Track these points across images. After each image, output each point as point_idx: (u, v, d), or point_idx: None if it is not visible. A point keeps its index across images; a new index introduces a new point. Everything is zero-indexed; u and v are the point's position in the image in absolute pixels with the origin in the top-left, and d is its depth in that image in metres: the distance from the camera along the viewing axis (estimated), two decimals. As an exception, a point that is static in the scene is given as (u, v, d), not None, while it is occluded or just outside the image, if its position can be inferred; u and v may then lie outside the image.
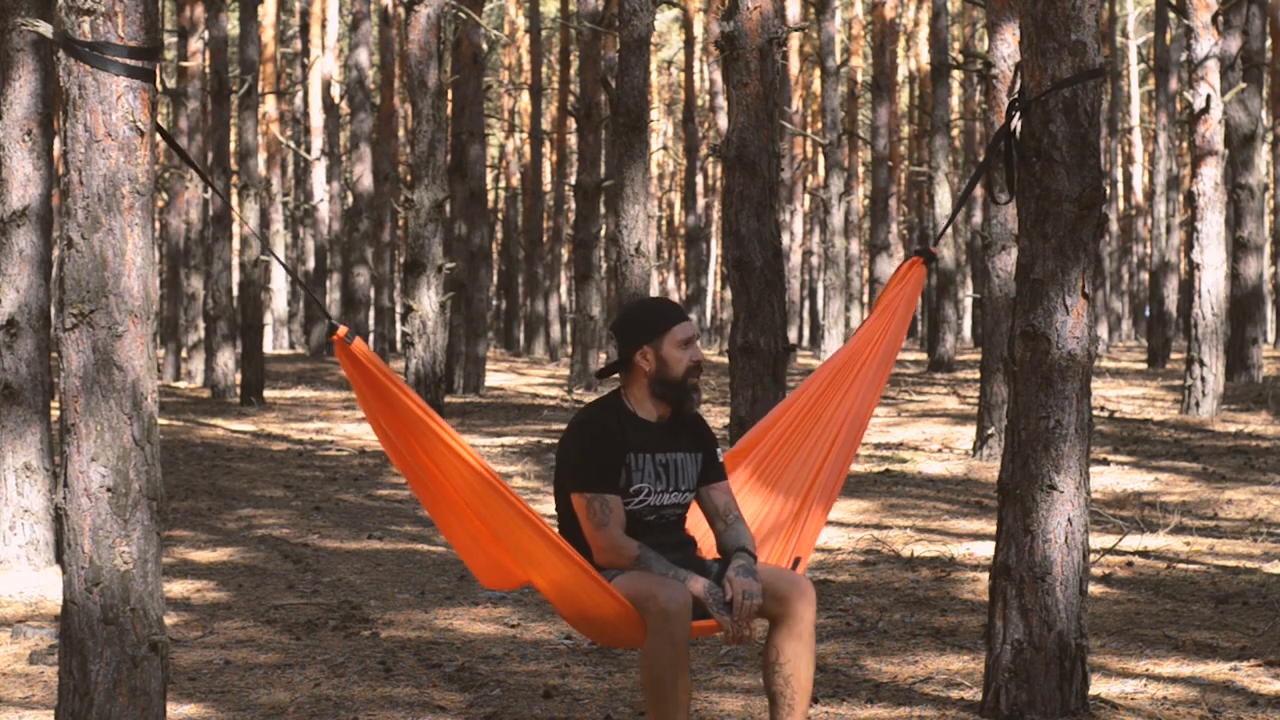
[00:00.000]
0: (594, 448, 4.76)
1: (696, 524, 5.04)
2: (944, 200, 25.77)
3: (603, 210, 28.33)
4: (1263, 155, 24.00)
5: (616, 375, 4.92)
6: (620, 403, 4.86)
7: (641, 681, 4.62)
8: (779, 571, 4.82)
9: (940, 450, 14.23)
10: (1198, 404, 15.77)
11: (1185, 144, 35.98)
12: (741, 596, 4.60)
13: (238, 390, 20.97)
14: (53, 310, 8.68)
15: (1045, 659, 5.29)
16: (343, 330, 4.71)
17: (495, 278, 48.28)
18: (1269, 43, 27.49)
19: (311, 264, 38.69)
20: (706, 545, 5.01)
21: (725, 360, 25.59)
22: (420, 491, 4.85)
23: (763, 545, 5.12)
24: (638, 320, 4.86)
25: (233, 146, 28.76)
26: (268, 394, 21.69)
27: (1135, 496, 11.02)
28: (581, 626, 4.76)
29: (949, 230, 27.75)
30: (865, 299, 39.09)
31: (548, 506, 8.66)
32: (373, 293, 33.16)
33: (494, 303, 47.54)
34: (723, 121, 34.57)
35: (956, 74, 40.34)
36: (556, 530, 4.76)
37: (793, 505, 5.18)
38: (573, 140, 38.39)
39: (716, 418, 18.14)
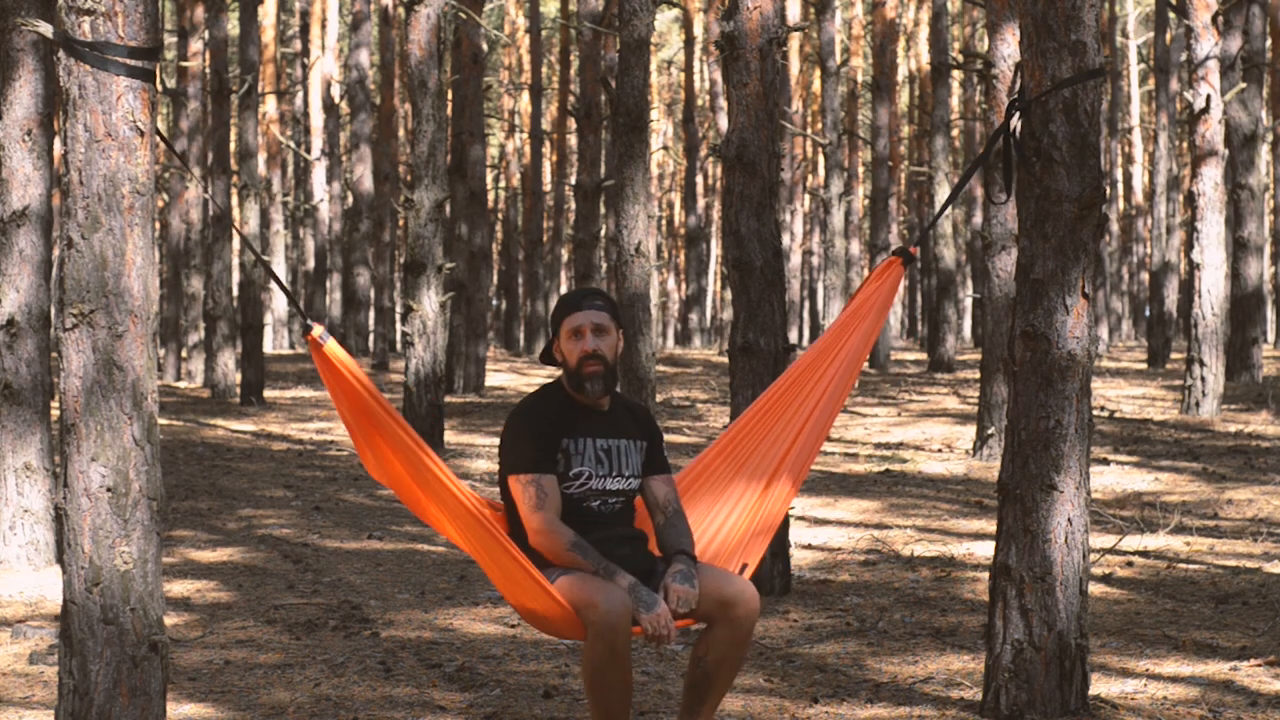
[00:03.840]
0: (527, 431, 4.80)
1: (646, 521, 5.03)
2: (944, 200, 25.76)
3: (603, 210, 28.33)
4: (1263, 155, 24.01)
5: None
6: (559, 390, 4.92)
7: (582, 684, 4.65)
8: (726, 577, 4.80)
9: (941, 450, 14.23)
10: (1198, 404, 15.76)
11: (1185, 144, 35.97)
12: (676, 604, 4.63)
13: (238, 390, 20.97)
14: (53, 310, 8.68)
15: (1045, 659, 5.29)
16: (317, 330, 4.73)
17: (495, 278, 48.27)
18: (1269, 43, 27.48)
19: (312, 264, 38.69)
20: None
21: (725, 360, 25.59)
22: (391, 485, 4.92)
23: (709, 545, 5.09)
24: (552, 315, 4.97)
25: (233, 147, 28.77)
26: (268, 394, 21.69)
27: (1135, 496, 11.02)
28: (527, 618, 4.80)
29: (950, 230, 27.71)
30: (865, 299, 39.04)
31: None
32: (373, 293, 33.16)
33: (494, 303, 47.53)
34: (723, 121, 34.57)
35: (957, 74, 40.33)
36: (506, 522, 4.83)
37: (747, 505, 5.14)
38: (573, 140, 38.39)
39: (717, 418, 18.13)
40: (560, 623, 4.66)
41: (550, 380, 5.03)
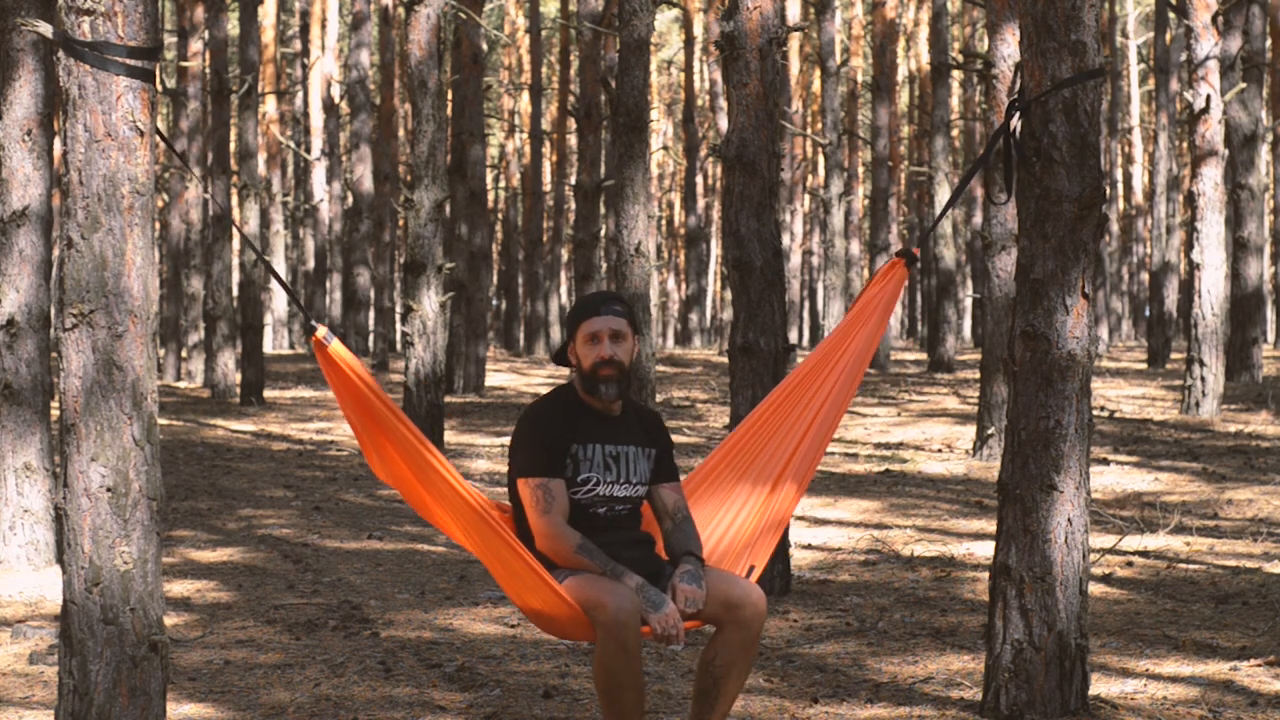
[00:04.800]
0: (538, 435, 4.80)
1: (653, 524, 5.03)
2: (943, 201, 25.79)
3: (603, 211, 28.33)
4: (1263, 155, 24.01)
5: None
6: (571, 393, 4.91)
7: (594, 685, 4.64)
8: (732, 579, 4.80)
9: (941, 450, 14.23)
10: (1198, 404, 15.77)
11: (1185, 144, 35.97)
12: (684, 604, 4.63)
13: (238, 390, 20.97)
14: (52, 310, 8.68)
15: (1045, 659, 5.29)
16: (321, 331, 4.71)
17: (495, 278, 48.26)
18: (1269, 43, 27.48)
19: (312, 264, 38.69)
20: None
21: (725, 360, 25.59)
22: (396, 485, 4.92)
23: (716, 548, 5.08)
24: (568, 317, 4.95)
25: (233, 147, 28.77)
26: (268, 394, 21.69)
27: (1135, 496, 11.02)
28: (533, 619, 4.79)
29: (950, 231, 27.71)
30: (865, 299, 39.05)
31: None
32: (373, 293, 33.17)
33: (494, 303, 47.53)
34: (723, 121, 34.56)
35: (956, 74, 40.33)
36: (514, 524, 4.83)
37: (753, 508, 5.13)
38: (573, 140, 38.39)
39: (717, 418, 18.13)
40: (568, 623, 4.65)
41: (562, 383, 5.01)
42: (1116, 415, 16.26)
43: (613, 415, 4.90)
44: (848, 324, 5.34)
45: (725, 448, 5.21)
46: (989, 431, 12.85)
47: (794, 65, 38.34)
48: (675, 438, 15.53)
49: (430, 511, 4.89)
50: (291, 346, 38.08)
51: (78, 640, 4.29)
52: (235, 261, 32.23)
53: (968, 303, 43.57)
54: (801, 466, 5.18)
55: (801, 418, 5.21)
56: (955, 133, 43.58)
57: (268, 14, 33.82)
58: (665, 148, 49.13)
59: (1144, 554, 8.75)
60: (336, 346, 4.72)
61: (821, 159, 38.19)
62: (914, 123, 45.15)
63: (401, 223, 42.16)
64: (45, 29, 4.36)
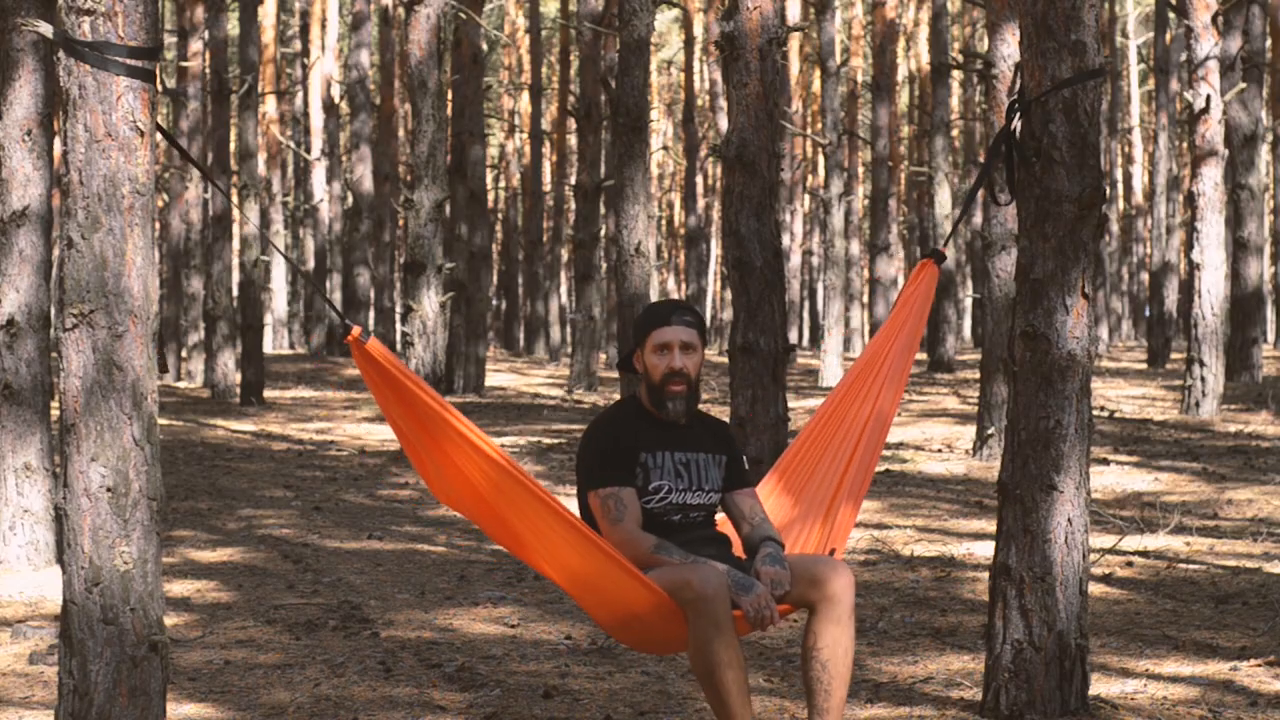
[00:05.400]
0: (605, 445, 4.73)
1: (729, 529, 5.03)
2: (944, 201, 25.77)
3: (603, 211, 28.33)
4: (1263, 156, 24.00)
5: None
6: (636, 404, 4.86)
7: (694, 674, 4.52)
8: (814, 557, 4.78)
9: (941, 450, 14.23)
10: (1198, 404, 15.76)
11: (1185, 144, 35.97)
12: (770, 585, 4.57)
13: (238, 390, 20.97)
14: (52, 310, 8.68)
15: (1045, 659, 5.29)
16: (357, 330, 4.55)
17: (495, 278, 48.26)
18: (1269, 43, 27.48)
19: (312, 264, 38.69)
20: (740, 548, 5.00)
21: (725, 360, 25.62)
22: (458, 505, 4.71)
23: (794, 545, 5.09)
24: (637, 323, 4.89)
25: (233, 147, 28.76)
26: (268, 394, 21.69)
27: (1135, 496, 11.02)
28: (612, 626, 4.65)
29: (949, 231, 27.72)
30: (865, 299, 39.08)
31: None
32: (373, 293, 33.17)
33: (494, 303, 47.53)
34: (723, 122, 34.56)
35: (956, 74, 40.33)
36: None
37: (822, 505, 5.17)
38: (573, 141, 38.38)
39: (718, 417, 18.13)
40: (652, 617, 4.50)
41: (627, 396, 4.98)
42: (1116, 415, 16.26)
43: (679, 424, 4.84)
44: (887, 328, 5.41)
45: (780, 467, 5.25)
46: (989, 431, 12.85)
47: (794, 65, 38.33)
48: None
49: (503, 526, 4.62)
50: (291, 346, 38.08)
51: (78, 640, 4.29)
52: (235, 261, 32.22)
53: (968, 303, 43.57)
54: (860, 473, 5.21)
55: (853, 427, 5.25)
56: (955, 133, 43.58)
57: (268, 14, 33.81)
58: (665, 148, 49.14)
59: (1144, 554, 8.75)
60: (374, 344, 4.56)
61: (821, 159, 38.19)
62: (914, 123, 45.15)
63: (401, 223, 42.15)
64: (45, 29, 4.36)
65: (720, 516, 5.01)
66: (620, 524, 4.65)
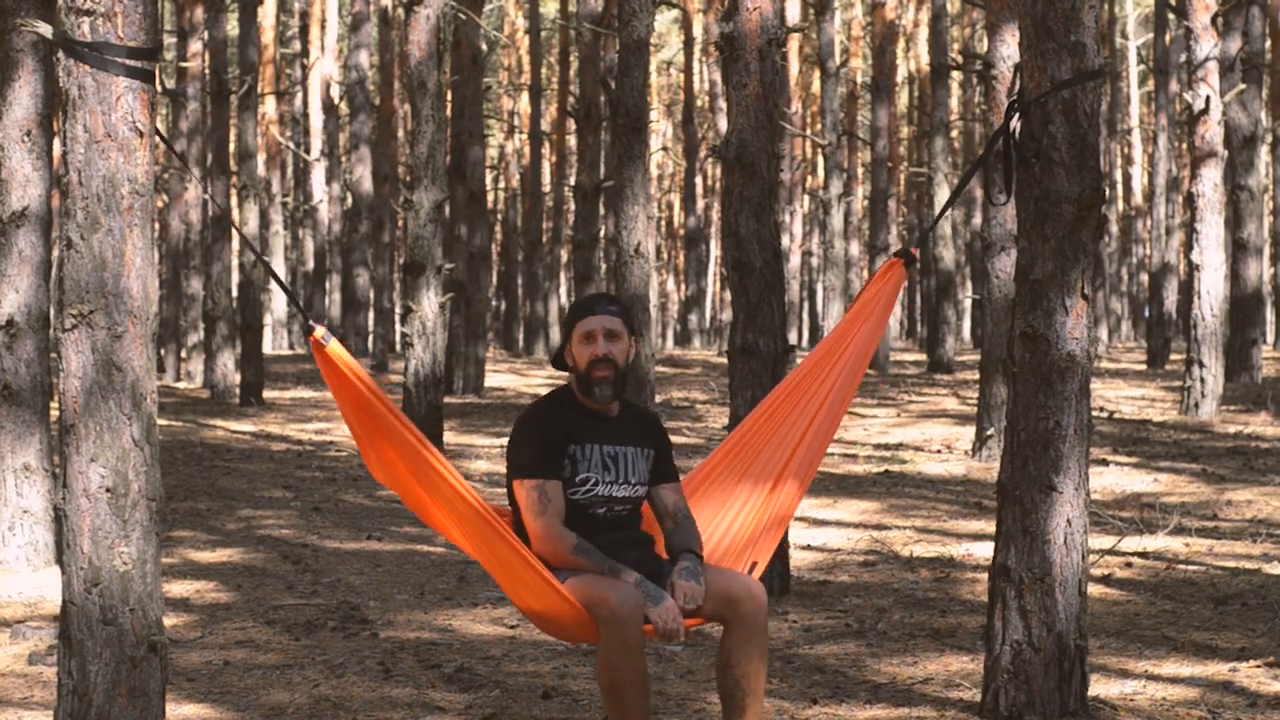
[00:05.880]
0: (534, 436, 4.79)
1: (654, 524, 5.03)
2: (943, 201, 25.80)
3: (602, 211, 28.33)
4: (1262, 157, 23.99)
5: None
6: (568, 395, 4.91)
7: (599, 686, 4.64)
8: (731, 575, 4.81)
9: (940, 451, 14.24)
10: (1197, 405, 15.76)
11: (1185, 145, 35.97)
12: (682, 599, 4.62)
13: (238, 391, 20.97)
14: (52, 311, 8.68)
15: (1044, 660, 5.29)
16: (319, 331, 4.69)
17: (495, 279, 48.26)
18: (1269, 44, 27.49)
19: (311, 265, 38.69)
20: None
21: (725, 361, 25.60)
22: (395, 487, 4.90)
23: (718, 547, 5.09)
24: (564, 320, 4.95)
25: (232, 147, 28.76)
26: (268, 394, 21.69)
27: (1135, 497, 11.02)
28: (534, 621, 4.78)
29: (949, 232, 27.71)
30: (865, 300, 39.10)
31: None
32: (373, 294, 33.16)
33: (494, 304, 47.53)
34: (722, 122, 34.56)
35: (956, 75, 40.33)
36: (513, 527, 4.81)
37: (754, 507, 5.14)
38: (572, 141, 38.38)
39: (716, 418, 18.13)
40: (570, 624, 4.64)
41: (560, 385, 5.01)
42: (1116, 416, 16.26)
43: (610, 416, 4.90)
44: (846, 324, 5.36)
45: (726, 447, 5.22)
46: (988, 432, 12.85)
47: (794, 66, 38.34)
48: (675, 438, 15.53)
49: (429, 513, 4.86)
50: (291, 347, 38.08)
51: (77, 641, 4.29)
52: (235, 262, 32.22)
53: (967, 304, 43.57)
54: (803, 465, 5.18)
55: (802, 417, 5.22)
56: (955, 134, 43.57)
57: (267, 14, 33.82)
58: (665, 148, 49.14)
59: (1143, 555, 8.75)
60: (335, 347, 4.70)
61: (821, 160, 38.20)
62: (913, 123, 45.16)
63: (401, 223, 42.16)
64: (45, 29, 4.36)
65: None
66: (543, 517, 4.73)
